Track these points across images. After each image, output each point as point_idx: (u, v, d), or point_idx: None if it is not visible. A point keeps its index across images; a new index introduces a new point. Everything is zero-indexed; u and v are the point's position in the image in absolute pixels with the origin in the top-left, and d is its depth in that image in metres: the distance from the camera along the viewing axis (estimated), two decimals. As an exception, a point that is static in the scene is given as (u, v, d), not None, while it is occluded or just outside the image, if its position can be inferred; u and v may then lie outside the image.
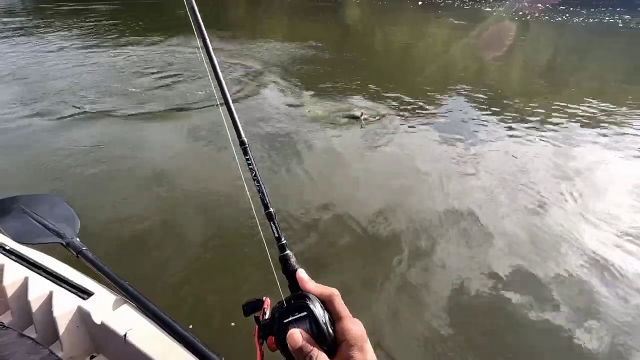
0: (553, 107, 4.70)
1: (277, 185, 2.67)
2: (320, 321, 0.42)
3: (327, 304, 0.44)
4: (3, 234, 1.22)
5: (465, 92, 5.13)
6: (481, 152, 3.42)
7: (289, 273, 0.49)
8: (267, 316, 0.46)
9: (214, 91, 0.66)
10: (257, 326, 0.45)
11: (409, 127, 3.92)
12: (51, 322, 0.96)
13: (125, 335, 0.90)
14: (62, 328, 0.95)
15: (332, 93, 4.70)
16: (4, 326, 0.91)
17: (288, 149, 3.20)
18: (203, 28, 0.70)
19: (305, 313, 0.42)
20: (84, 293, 1.01)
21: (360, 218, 2.38)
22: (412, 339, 1.71)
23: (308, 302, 0.43)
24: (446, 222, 2.42)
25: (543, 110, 4.55)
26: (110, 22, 8.28)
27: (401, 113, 4.21)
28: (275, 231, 0.52)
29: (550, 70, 7.04)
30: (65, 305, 0.97)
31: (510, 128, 4.00)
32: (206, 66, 0.69)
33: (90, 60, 5.43)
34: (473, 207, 2.58)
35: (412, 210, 2.50)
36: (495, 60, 7.38)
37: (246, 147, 0.60)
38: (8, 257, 1.10)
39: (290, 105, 4.18)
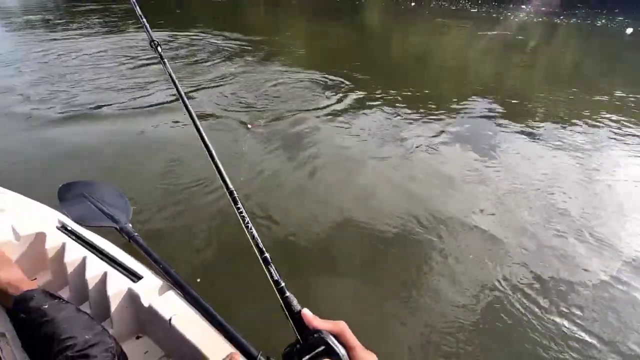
0: (579, 114, 4.40)
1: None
2: (341, 354, 0.42)
3: (339, 337, 0.45)
4: (65, 215, 1.33)
5: (478, 97, 4.90)
6: (499, 157, 3.25)
7: (293, 315, 0.49)
8: None
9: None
10: None
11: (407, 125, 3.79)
12: (104, 301, 1.02)
13: (170, 319, 0.94)
14: (113, 307, 1.01)
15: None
16: (65, 300, 0.99)
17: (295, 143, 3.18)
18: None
19: (323, 347, 0.42)
20: (134, 276, 1.07)
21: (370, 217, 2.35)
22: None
23: (324, 336, 0.43)
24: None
25: (567, 118, 4.27)
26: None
27: (401, 112, 4.08)
28: (274, 274, 0.53)
29: (574, 75, 6.60)
30: (117, 286, 1.04)
31: (531, 134, 3.79)
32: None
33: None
34: (483, 216, 2.45)
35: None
36: (498, 63, 7.02)
37: (235, 196, 0.63)
38: (69, 236, 1.19)
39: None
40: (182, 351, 0.94)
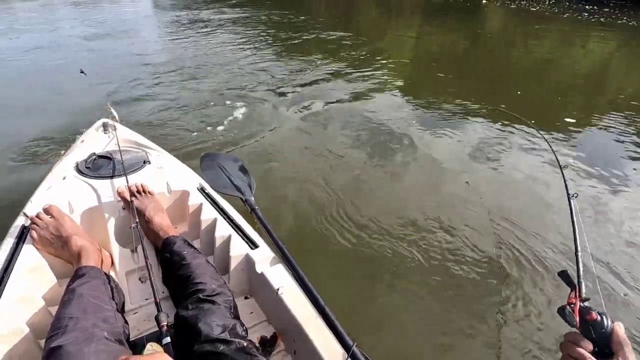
0: None
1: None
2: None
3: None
4: (204, 179, 1.56)
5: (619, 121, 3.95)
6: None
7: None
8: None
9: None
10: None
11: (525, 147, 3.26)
12: (226, 259, 1.17)
13: (277, 289, 1.03)
14: (232, 266, 1.16)
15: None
16: (198, 251, 1.17)
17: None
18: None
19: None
20: (252, 244, 1.20)
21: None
22: None
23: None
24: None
25: None
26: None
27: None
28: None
29: None
30: (238, 249, 1.18)
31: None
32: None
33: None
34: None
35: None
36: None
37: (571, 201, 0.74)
38: (206, 198, 1.39)
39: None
40: (283, 322, 1.02)
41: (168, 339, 0.83)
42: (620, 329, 0.55)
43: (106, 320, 0.88)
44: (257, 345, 0.91)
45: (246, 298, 1.19)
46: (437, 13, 11.99)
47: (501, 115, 3.98)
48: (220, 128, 3.32)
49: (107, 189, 1.36)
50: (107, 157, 1.52)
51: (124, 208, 1.31)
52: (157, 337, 0.87)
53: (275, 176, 2.67)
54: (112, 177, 1.42)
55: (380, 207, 2.40)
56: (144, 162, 1.52)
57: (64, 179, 1.38)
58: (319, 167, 2.79)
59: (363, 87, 4.65)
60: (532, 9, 12.91)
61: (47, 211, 1.15)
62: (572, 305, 0.57)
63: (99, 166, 1.47)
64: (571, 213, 0.74)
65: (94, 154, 1.52)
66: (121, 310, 1.04)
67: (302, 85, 4.56)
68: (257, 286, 1.15)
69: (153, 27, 7.98)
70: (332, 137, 3.33)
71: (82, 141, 1.70)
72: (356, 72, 5.25)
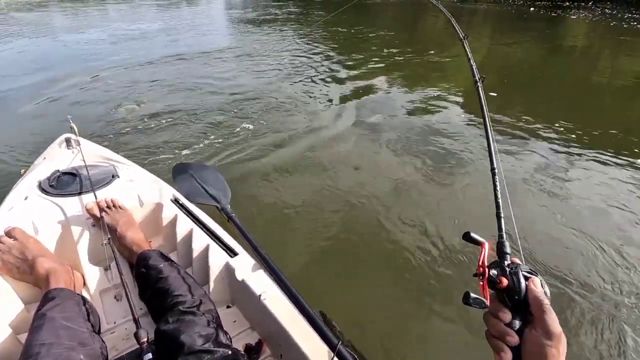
0: None
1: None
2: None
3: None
4: (177, 190, 1.52)
5: None
6: None
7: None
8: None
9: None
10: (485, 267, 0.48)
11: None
12: (205, 269, 1.15)
13: (259, 295, 1.03)
14: (212, 276, 1.14)
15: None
16: (175, 263, 1.14)
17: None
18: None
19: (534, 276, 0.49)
20: (231, 252, 1.19)
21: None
22: None
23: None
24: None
25: None
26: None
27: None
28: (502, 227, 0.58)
29: None
30: (217, 258, 1.16)
31: None
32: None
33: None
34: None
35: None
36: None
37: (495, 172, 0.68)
38: (180, 209, 1.36)
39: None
40: (268, 327, 1.02)
41: (150, 355, 0.80)
42: (534, 286, 0.46)
43: (82, 343, 0.84)
44: (242, 352, 0.91)
45: (228, 307, 1.17)
46: (505, 23, 11.21)
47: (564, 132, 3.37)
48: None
49: (75, 207, 1.30)
50: (72, 174, 1.45)
51: (93, 225, 1.26)
52: (137, 355, 0.84)
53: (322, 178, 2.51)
54: (79, 193, 1.36)
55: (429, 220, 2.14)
56: (113, 176, 1.47)
57: (25, 199, 1.31)
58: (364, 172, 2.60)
59: (422, 96, 4.30)
60: (572, 17, 11.97)
61: (9, 234, 1.09)
62: (481, 277, 0.47)
63: (64, 183, 1.40)
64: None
65: (58, 170, 1.45)
66: (97, 331, 1.00)
67: (355, 91, 4.37)
68: (238, 294, 1.13)
69: (223, 23, 9.40)
70: (381, 146, 3.04)
71: (44, 158, 1.62)
72: (416, 78, 5.03)
